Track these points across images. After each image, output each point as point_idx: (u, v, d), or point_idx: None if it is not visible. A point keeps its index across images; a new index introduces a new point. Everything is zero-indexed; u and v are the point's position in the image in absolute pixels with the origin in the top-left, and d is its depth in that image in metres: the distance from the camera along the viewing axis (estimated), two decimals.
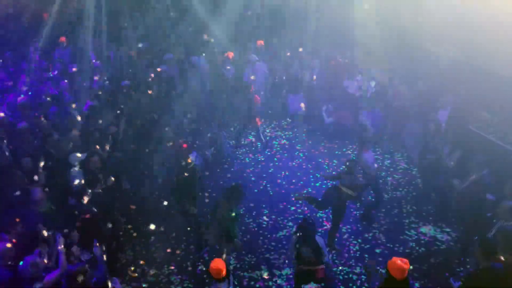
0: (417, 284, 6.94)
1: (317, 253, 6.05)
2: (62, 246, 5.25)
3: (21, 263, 5.01)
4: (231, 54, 12.01)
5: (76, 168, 7.45)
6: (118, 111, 8.97)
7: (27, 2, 13.63)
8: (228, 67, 12.08)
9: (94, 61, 11.95)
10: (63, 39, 12.35)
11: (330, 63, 12.22)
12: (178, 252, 7.71)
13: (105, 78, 11.21)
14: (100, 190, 6.79)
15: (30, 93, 9.92)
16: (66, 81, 10.43)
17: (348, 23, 12.18)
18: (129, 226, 8.08)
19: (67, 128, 8.50)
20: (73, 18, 13.08)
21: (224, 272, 5.25)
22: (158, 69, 11.32)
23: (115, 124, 8.52)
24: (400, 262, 4.86)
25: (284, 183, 9.59)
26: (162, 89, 10.66)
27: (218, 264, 5.27)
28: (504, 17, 8.63)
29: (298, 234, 6.16)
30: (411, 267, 5.28)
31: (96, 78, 11.05)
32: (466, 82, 9.36)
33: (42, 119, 8.68)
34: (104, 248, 6.39)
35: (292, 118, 12.12)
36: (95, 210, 6.57)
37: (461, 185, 7.41)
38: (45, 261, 5.59)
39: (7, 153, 7.59)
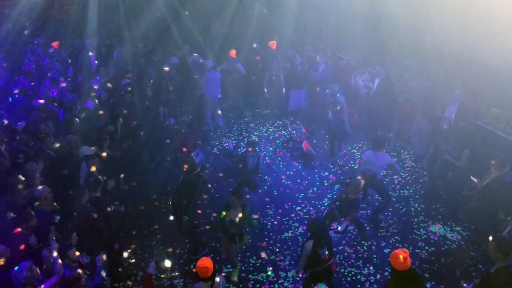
0: (428, 285, 6.73)
1: (331, 249, 5.99)
2: (56, 252, 5.07)
3: (16, 268, 4.82)
4: (233, 52, 11.82)
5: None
6: (116, 110, 8.82)
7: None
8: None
9: (95, 61, 11.84)
10: (55, 44, 12.22)
11: (336, 61, 12.05)
12: (180, 254, 7.54)
13: (106, 78, 11.06)
14: (99, 194, 6.59)
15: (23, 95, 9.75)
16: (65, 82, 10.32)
17: (354, 19, 11.98)
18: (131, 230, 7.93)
19: (66, 129, 8.36)
20: (73, 19, 12.95)
21: (210, 272, 5.06)
22: (166, 69, 11.13)
23: (113, 123, 8.38)
24: (398, 252, 4.81)
25: (288, 183, 9.40)
26: (163, 88, 10.48)
27: (205, 262, 5.08)
28: None
29: (312, 239, 5.85)
30: (413, 265, 5.16)
31: (97, 78, 10.94)
32: (474, 78, 9.15)
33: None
34: (106, 256, 6.25)
35: (293, 115, 11.92)
36: (96, 212, 6.40)
37: (481, 183, 7.19)
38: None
39: (6, 156, 7.45)
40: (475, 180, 7.27)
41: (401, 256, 4.77)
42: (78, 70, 11.62)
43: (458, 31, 9.52)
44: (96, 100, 9.48)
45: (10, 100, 9.42)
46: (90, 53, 12.04)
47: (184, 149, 8.57)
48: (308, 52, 12.55)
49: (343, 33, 12.45)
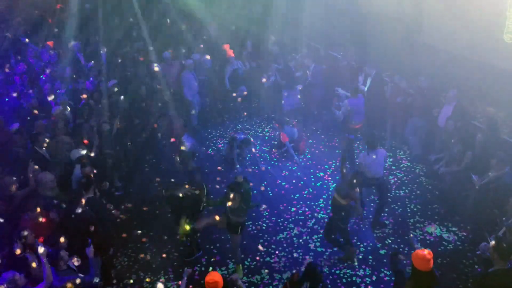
0: None
1: None
2: (45, 256, 4.97)
3: None
4: (231, 51, 11.72)
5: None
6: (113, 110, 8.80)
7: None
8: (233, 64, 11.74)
9: (85, 62, 11.72)
10: (50, 43, 12.11)
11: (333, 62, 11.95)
12: (174, 256, 7.45)
13: (101, 78, 10.95)
14: (92, 195, 6.51)
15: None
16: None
17: (348, 18, 11.90)
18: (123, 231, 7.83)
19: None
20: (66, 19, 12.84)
21: (221, 285, 4.86)
22: (156, 69, 11.00)
23: (109, 122, 8.33)
24: (423, 253, 4.76)
25: (283, 183, 9.32)
26: (155, 88, 10.41)
27: (215, 276, 4.88)
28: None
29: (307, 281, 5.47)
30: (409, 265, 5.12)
31: (91, 78, 10.83)
32: (470, 77, 9.10)
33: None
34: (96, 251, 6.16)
35: (288, 115, 11.82)
36: (90, 213, 6.32)
37: (480, 182, 7.12)
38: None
39: None
40: (475, 179, 7.19)
41: (423, 255, 4.73)
42: (74, 71, 11.50)
43: (453, 29, 9.47)
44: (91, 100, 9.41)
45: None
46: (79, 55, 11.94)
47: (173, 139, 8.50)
48: (303, 56, 12.25)
49: (330, 31, 12.36)
